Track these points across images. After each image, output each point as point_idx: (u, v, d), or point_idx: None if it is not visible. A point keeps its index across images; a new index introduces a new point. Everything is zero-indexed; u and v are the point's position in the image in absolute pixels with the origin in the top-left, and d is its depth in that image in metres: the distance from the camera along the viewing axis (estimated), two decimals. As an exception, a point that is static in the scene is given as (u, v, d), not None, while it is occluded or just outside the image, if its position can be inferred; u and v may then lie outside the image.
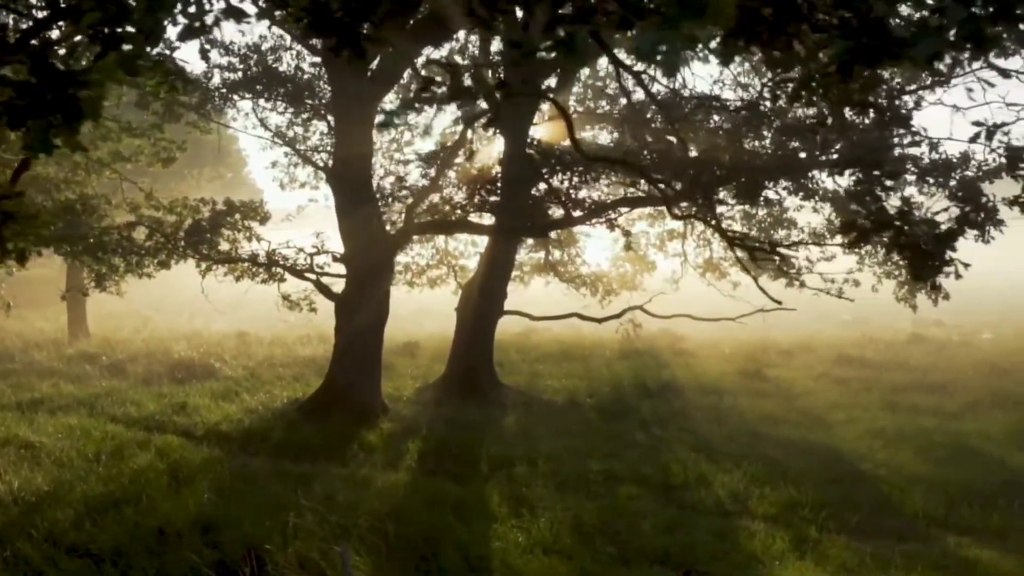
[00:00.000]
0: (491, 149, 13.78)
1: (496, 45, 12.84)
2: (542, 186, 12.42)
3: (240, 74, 12.91)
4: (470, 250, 18.38)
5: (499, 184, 11.29)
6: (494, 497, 7.98)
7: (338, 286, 12.41)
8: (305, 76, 12.63)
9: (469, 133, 13.05)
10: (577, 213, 12.07)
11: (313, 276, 12.33)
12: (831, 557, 6.79)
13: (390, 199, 12.17)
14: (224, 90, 12.81)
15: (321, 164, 12.61)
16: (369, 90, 11.14)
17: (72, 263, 14.68)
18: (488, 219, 12.98)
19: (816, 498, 8.21)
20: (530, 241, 19.28)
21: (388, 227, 12.31)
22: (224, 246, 12.67)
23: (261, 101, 12.85)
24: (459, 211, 11.73)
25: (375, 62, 11.40)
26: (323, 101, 12.54)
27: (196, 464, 9.11)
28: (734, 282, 18.64)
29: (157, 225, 12.83)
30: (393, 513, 7.20)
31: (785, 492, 8.39)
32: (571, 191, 11.43)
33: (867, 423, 11.74)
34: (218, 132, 15.30)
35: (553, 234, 16.68)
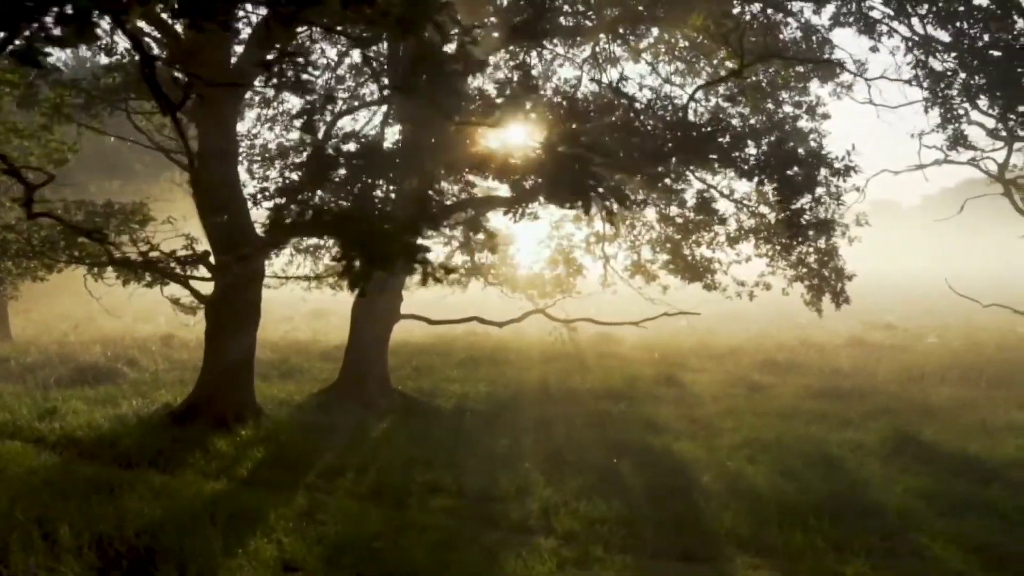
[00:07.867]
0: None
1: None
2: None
3: (120, 77, 12.78)
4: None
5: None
6: (283, 508, 7.67)
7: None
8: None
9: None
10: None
11: (182, 278, 12.09)
12: (595, 580, 6.41)
13: (258, 198, 11.92)
14: (103, 93, 12.66)
15: (184, 164, 12.38)
16: (225, 91, 10.91)
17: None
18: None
19: (627, 513, 7.81)
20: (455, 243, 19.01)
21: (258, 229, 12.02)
22: (97, 248, 12.47)
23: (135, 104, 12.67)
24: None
25: (232, 60, 11.19)
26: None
27: (19, 473, 8.92)
28: (663, 285, 18.27)
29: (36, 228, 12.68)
30: (157, 524, 6.93)
31: (598, 507, 7.98)
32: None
33: (748, 432, 11.26)
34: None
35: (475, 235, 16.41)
